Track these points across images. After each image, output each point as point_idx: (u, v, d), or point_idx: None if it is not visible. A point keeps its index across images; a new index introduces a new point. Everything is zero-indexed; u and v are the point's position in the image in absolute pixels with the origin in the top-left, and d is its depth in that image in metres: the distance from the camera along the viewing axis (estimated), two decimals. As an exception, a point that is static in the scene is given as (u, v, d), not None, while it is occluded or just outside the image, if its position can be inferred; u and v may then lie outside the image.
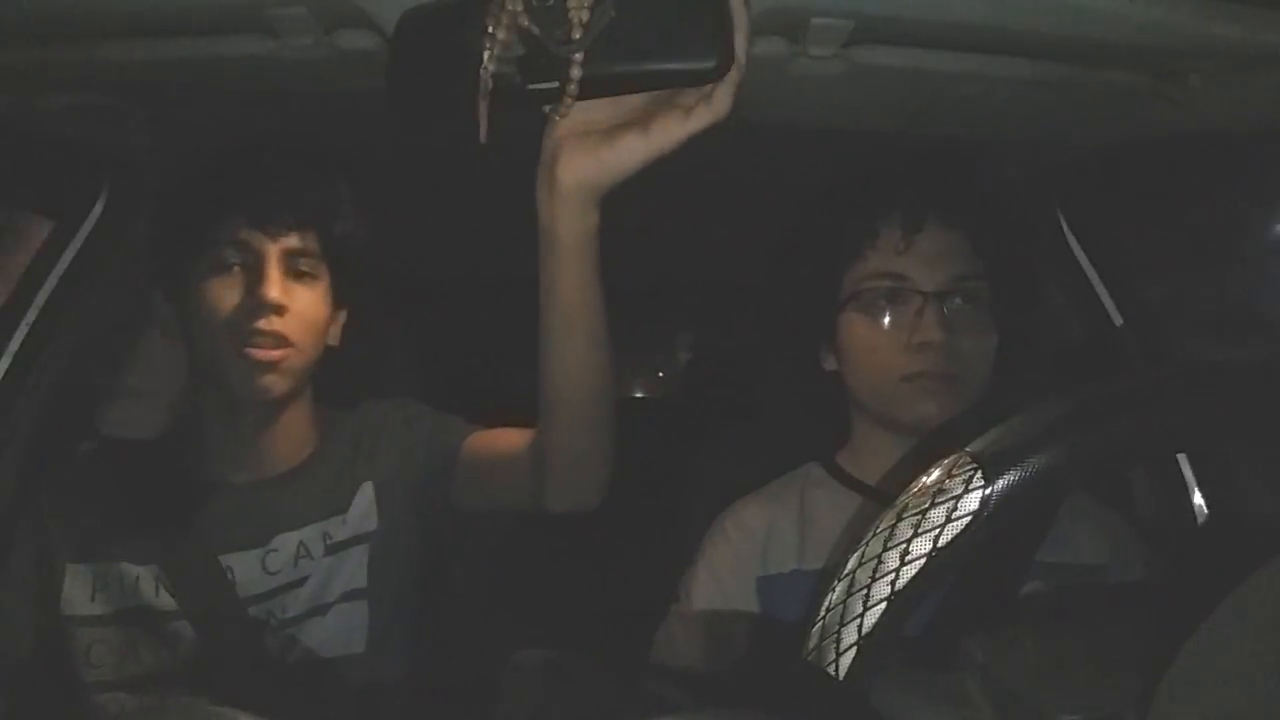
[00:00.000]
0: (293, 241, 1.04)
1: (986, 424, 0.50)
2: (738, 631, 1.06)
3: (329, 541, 1.11)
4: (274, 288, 1.01)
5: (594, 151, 0.73)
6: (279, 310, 1.01)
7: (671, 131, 0.71)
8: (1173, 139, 0.99)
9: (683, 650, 1.07)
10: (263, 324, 1.00)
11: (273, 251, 1.03)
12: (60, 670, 1.03)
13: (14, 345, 1.12)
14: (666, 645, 1.08)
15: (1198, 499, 1.17)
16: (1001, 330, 1.04)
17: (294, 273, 1.05)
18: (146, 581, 1.06)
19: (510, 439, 1.08)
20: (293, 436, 1.14)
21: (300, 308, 1.04)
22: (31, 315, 1.13)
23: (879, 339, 1.01)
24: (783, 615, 1.02)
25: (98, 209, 1.16)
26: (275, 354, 1.02)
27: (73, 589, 1.04)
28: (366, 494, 1.14)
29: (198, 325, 1.04)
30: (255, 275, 1.02)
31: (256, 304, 1.00)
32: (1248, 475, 1.17)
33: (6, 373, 1.11)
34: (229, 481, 1.11)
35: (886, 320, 1.01)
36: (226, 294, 1.02)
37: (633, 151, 0.72)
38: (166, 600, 1.05)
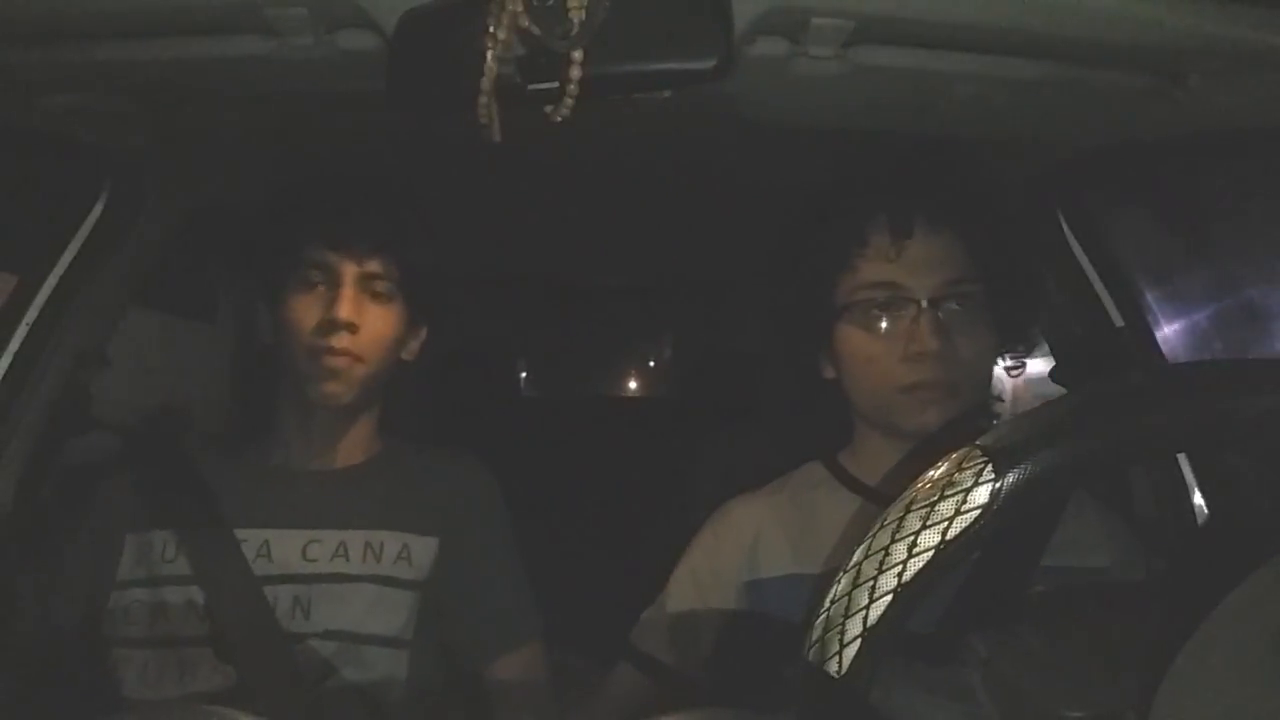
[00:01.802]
0: (370, 265, 1.13)
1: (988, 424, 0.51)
2: (712, 633, 1.06)
3: (373, 565, 1.14)
4: (347, 307, 1.10)
5: None
6: (351, 328, 1.10)
7: None
8: (1173, 139, 0.99)
9: (652, 647, 1.08)
10: (335, 341, 1.10)
11: (350, 274, 1.12)
12: (102, 626, 1.10)
13: (14, 345, 1.12)
14: (640, 640, 1.09)
15: (1198, 499, 1.17)
16: (1000, 331, 1.03)
17: (369, 294, 1.14)
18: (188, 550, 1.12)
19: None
20: (355, 440, 1.22)
21: (372, 326, 1.13)
22: (31, 315, 1.13)
23: (875, 350, 1.00)
24: (777, 619, 1.01)
25: (98, 209, 1.16)
26: (343, 363, 1.11)
27: (128, 555, 1.12)
28: (428, 547, 1.19)
29: (283, 332, 1.14)
30: (333, 295, 1.11)
31: (332, 321, 1.10)
32: (1248, 475, 1.17)
33: (6, 373, 1.11)
34: (288, 467, 1.19)
35: (882, 331, 1.00)
36: (308, 310, 1.12)
37: None
38: (199, 568, 1.10)
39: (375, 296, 1.14)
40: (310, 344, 1.10)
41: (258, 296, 1.21)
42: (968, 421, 1.01)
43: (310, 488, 1.17)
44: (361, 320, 1.11)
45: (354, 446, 1.22)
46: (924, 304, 0.97)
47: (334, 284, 1.11)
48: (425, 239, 1.18)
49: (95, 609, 1.10)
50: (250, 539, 1.11)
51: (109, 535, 1.12)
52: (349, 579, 1.12)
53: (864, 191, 1.04)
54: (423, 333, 1.24)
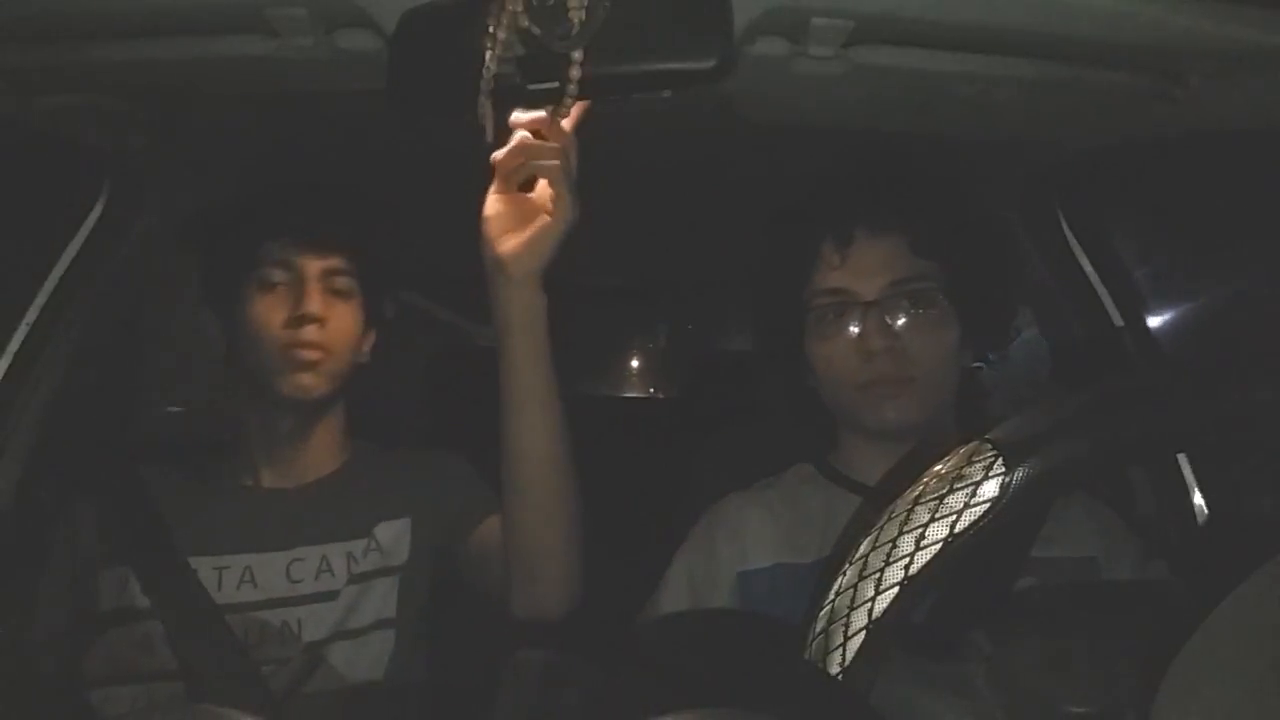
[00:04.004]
0: (331, 262, 1.14)
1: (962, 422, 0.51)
2: (705, 627, 1.06)
3: (354, 569, 1.13)
4: (314, 302, 1.11)
5: (528, 242, 0.88)
6: (320, 321, 1.11)
7: (568, 210, 0.86)
8: (1173, 139, 0.99)
9: (649, 643, 1.08)
10: (304, 334, 1.10)
11: (313, 269, 1.13)
12: (82, 662, 1.06)
13: (14, 345, 1.12)
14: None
15: (1198, 499, 1.18)
16: (966, 325, 1.05)
17: (331, 290, 1.14)
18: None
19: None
20: (323, 447, 1.21)
21: (337, 321, 1.14)
22: (31, 315, 1.13)
23: (833, 352, 1.05)
24: (763, 608, 1.04)
25: (98, 209, 1.16)
26: (314, 355, 1.11)
27: (103, 588, 1.08)
28: (400, 528, 1.18)
29: (246, 335, 1.12)
30: (299, 291, 1.11)
31: (300, 316, 1.10)
32: (1248, 475, 1.17)
33: (6, 373, 1.11)
34: (260, 486, 1.17)
35: (837, 333, 1.05)
36: (273, 307, 1.11)
37: (551, 234, 0.87)
38: (163, 604, 1.06)
39: (337, 292, 1.14)
40: (279, 338, 1.10)
41: (210, 302, 1.19)
42: (939, 417, 1.04)
43: (285, 507, 1.15)
44: (328, 315, 1.12)
45: (323, 455, 1.20)
46: (868, 305, 1.02)
47: (297, 280, 1.12)
48: (382, 238, 1.19)
49: (75, 646, 1.06)
50: (233, 565, 1.09)
51: (81, 571, 1.09)
52: (335, 595, 1.11)
53: (815, 204, 1.09)
54: (373, 335, 1.23)
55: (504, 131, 0.81)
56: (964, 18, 0.75)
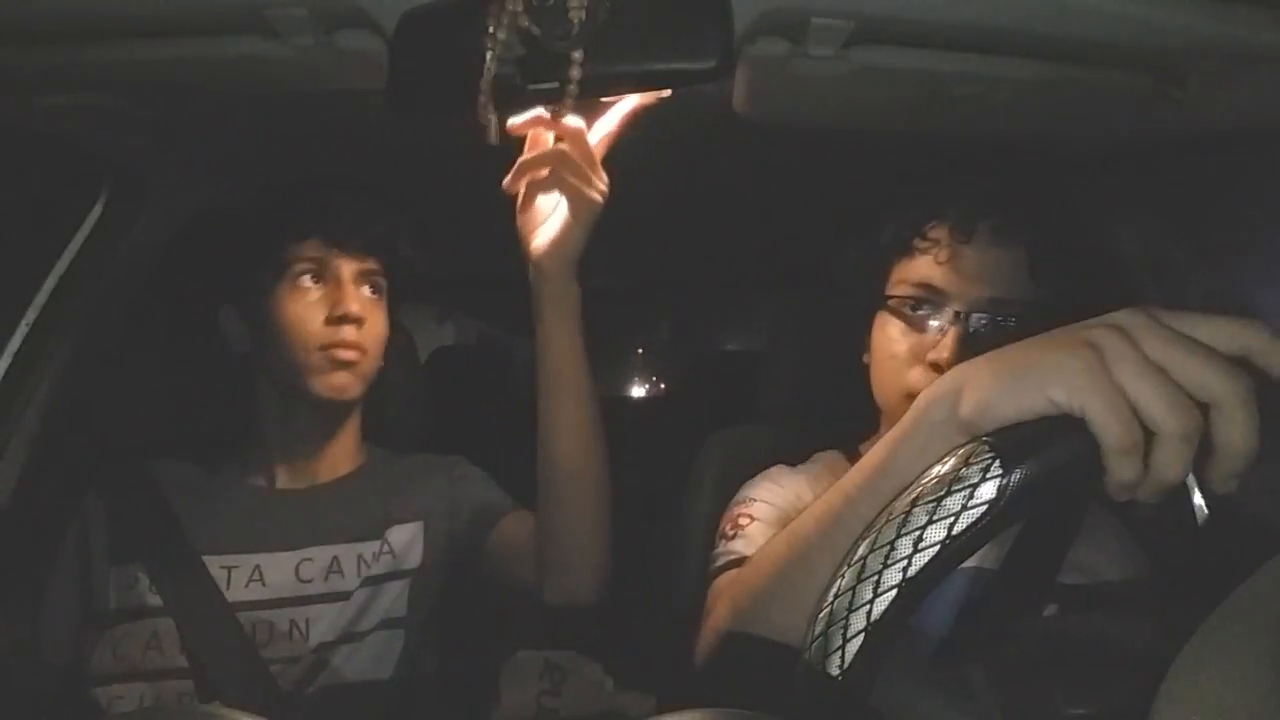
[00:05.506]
0: (367, 263, 1.15)
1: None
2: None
3: (365, 571, 1.13)
4: (354, 302, 1.11)
5: (556, 236, 0.90)
6: (359, 322, 1.12)
7: (589, 201, 0.89)
8: (1173, 139, 0.99)
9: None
10: (344, 334, 1.10)
11: (349, 270, 1.13)
12: (90, 659, 1.05)
13: (14, 345, 1.12)
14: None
15: (1198, 499, 1.17)
16: None
17: (366, 289, 1.16)
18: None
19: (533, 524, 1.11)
20: (340, 449, 1.21)
21: (372, 321, 1.15)
22: (31, 315, 1.13)
23: (899, 347, 0.99)
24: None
25: (98, 209, 1.16)
26: (353, 356, 1.11)
27: (113, 585, 1.08)
28: (413, 532, 1.19)
29: (277, 335, 1.11)
30: (336, 291, 1.12)
31: (342, 315, 1.10)
32: (1248, 475, 1.16)
33: (6, 373, 1.11)
34: (273, 487, 1.17)
35: (911, 330, 0.98)
36: (309, 307, 1.11)
37: (576, 227, 0.90)
38: (174, 602, 1.07)
39: (372, 293, 1.16)
40: (318, 338, 1.10)
41: (235, 301, 1.18)
42: None
43: (297, 507, 1.15)
44: (365, 315, 1.12)
45: (339, 458, 1.21)
46: (957, 314, 0.95)
47: (334, 281, 1.12)
48: (408, 240, 1.19)
49: (83, 644, 1.06)
50: (242, 564, 1.09)
51: (91, 568, 1.09)
52: (345, 596, 1.11)
53: (936, 185, 1.01)
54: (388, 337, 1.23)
55: (502, 132, 0.81)
56: (964, 18, 0.75)
